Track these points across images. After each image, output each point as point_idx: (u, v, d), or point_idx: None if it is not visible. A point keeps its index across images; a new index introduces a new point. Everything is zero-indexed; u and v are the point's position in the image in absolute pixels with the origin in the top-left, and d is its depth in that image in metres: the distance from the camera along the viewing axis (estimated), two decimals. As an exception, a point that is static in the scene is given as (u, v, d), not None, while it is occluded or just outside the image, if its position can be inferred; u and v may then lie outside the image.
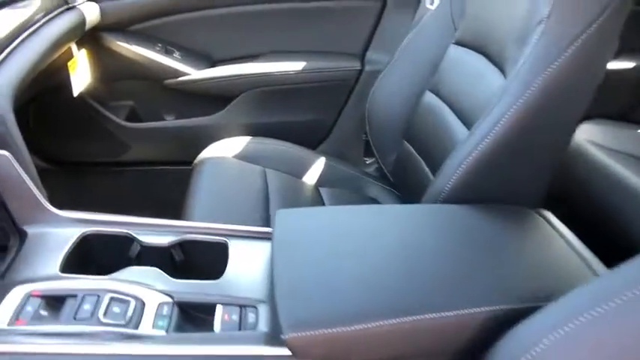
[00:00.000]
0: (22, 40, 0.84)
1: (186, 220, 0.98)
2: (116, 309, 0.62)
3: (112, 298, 0.63)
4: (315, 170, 1.25)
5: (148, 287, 0.66)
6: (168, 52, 1.33)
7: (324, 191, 1.20)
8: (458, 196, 0.77)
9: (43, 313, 0.61)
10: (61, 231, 0.74)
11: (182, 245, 0.76)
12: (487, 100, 0.80)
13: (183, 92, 1.36)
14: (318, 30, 1.37)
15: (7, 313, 0.60)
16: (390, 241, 0.68)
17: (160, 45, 1.32)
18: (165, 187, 1.44)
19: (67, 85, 1.15)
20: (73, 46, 1.11)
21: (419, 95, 1.09)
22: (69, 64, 1.11)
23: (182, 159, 1.40)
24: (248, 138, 1.27)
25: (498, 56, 0.86)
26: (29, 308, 0.61)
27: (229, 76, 1.34)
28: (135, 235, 0.74)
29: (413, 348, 0.61)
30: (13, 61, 0.79)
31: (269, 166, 1.21)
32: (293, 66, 1.35)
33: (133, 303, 0.63)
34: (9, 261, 0.68)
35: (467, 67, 0.94)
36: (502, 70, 0.84)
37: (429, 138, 1.01)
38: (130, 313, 0.61)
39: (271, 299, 0.64)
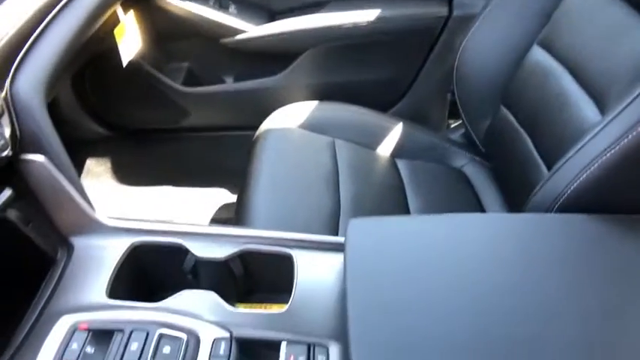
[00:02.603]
0: (55, 16, 0.73)
1: (246, 215, 0.88)
2: (166, 349, 0.53)
3: (161, 335, 0.54)
4: (390, 138, 1.09)
5: (203, 319, 0.57)
6: (222, 7, 1.18)
7: (401, 164, 1.04)
8: (584, 203, 0.59)
9: (89, 350, 0.54)
10: (110, 242, 0.66)
11: (242, 257, 0.66)
12: (634, 68, 0.60)
13: (242, 51, 1.22)
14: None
15: (52, 350, 0.53)
16: (496, 274, 0.53)
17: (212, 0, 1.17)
18: (227, 154, 1.35)
19: (117, 52, 1.05)
20: (119, 10, 0.99)
21: (523, 50, 0.88)
22: (115, 31, 1.00)
23: (244, 124, 1.29)
24: (314, 103, 1.13)
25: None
26: (74, 346, 0.54)
27: (291, 32, 1.17)
28: (188, 247, 0.65)
29: None
30: (45, 45, 0.69)
31: (338, 135, 1.07)
32: (364, 15, 1.14)
33: (185, 340, 0.54)
34: (56, 278, 0.62)
35: (599, 18, 0.72)
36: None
37: (537, 108, 0.81)
38: (181, 354, 0.53)
39: (344, 339, 0.52)
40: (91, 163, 1.41)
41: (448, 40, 1.13)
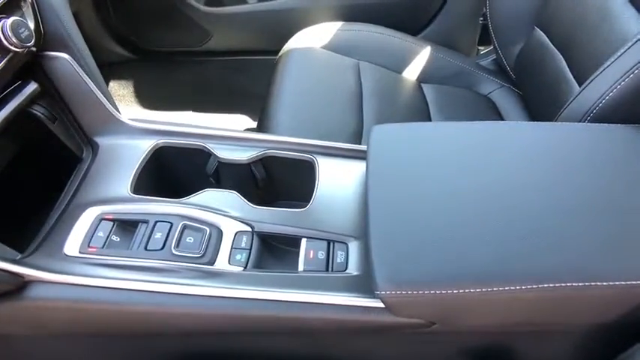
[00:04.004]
0: None
1: (269, 123, 0.87)
2: (190, 239, 0.55)
3: (185, 226, 0.56)
4: (417, 62, 1.05)
5: (225, 214, 0.58)
6: None
7: (427, 89, 1.01)
8: (616, 115, 0.57)
9: (115, 238, 0.56)
10: (134, 142, 0.66)
11: (263, 161, 0.66)
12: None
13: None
14: None
15: (80, 238, 0.55)
16: (522, 176, 0.52)
17: None
18: (250, 79, 1.33)
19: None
20: None
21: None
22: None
23: (268, 48, 1.26)
24: (340, 24, 1.09)
25: None
26: (101, 234, 0.56)
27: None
28: (212, 150, 0.65)
29: (547, 316, 0.49)
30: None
31: (364, 57, 1.04)
32: None
33: (207, 232, 0.56)
34: (81, 175, 0.63)
35: None
36: None
37: (575, 25, 0.77)
38: (204, 243, 0.54)
39: (365, 237, 0.53)
40: (113, 86, 1.41)
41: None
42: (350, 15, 1.14)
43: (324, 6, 1.20)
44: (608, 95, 0.57)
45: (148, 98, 1.43)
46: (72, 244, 0.54)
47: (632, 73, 0.55)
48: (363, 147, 0.65)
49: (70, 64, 0.64)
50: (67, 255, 0.53)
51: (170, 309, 0.50)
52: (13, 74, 0.59)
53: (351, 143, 0.85)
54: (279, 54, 1.07)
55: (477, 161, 0.54)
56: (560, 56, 0.80)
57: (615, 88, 0.56)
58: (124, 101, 1.43)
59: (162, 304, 0.50)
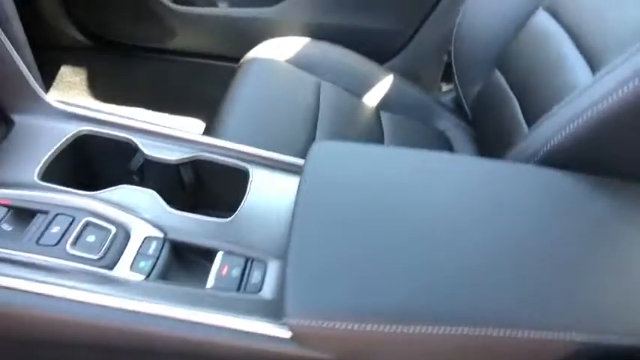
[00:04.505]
0: None
1: (216, 127, 0.83)
2: (91, 237, 0.49)
3: (88, 223, 0.50)
4: (379, 89, 1.04)
5: (137, 215, 0.53)
6: None
7: (385, 116, 0.99)
8: (561, 160, 0.55)
9: (6, 227, 0.50)
10: (55, 125, 0.61)
11: (194, 165, 0.61)
12: (633, 33, 0.55)
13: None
14: None
15: (-37, 221, 0.49)
16: (460, 210, 0.49)
17: None
18: (210, 83, 1.28)
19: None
20: None
21: (527, 13, 0.83)
22: None
23: (231, 54, 1.22)
24: (306, 40, 1.07)
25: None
26: (-10, 219, 0.49)
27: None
28: (139, 145, 0.60)
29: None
30: None
31: (326, 77, 1.01)
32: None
33: (113, 232, 0.50)
34: None
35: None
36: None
37: (531, 71, 0.76)
38: (106, 244, 0.49)
39: (284, 257, 0.48)
40: (65, 71, 1.34)
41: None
42: (318, 33, 1.12)
43: (293, 20, 1.17)
44: (554, 140, 0.56)
45: (100, 89, 1.36)
46: (-49, 228, 0.48)
47: (578, 121, 0.53)
48: (302, 161, 0.61)
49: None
50: None
51: (50, 314, 0.44)
52: None
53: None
54: (240, 61, 1.03)
55: (414, 191, 0.51)
56: (515, 100, 0.79)
57: (560, 133, 0.55)
58: (74, 89, 1.36)
59: (41, 306, 0.44)
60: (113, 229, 0.50)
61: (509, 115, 0.79)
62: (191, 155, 0.60)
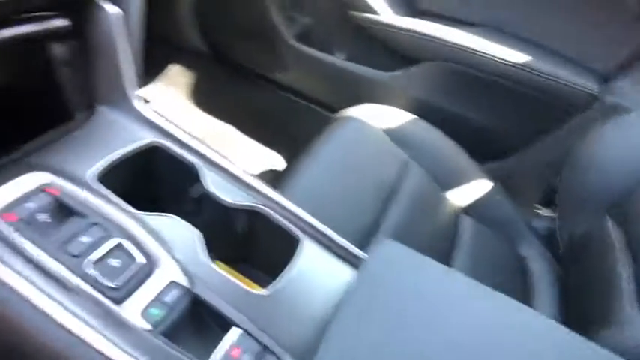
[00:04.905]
0: None
1: (286, 177, 0.78)
2: (116, 261, 0.45)
3: (120, 245, 0.46)
4: (468, 189, 0.95)
5: (171, 253, 0.48)
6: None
7: (465, 221, 0.91)
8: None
9: (42, 217, 0.46)
10: (131, 128, 0.59)
11: (250, 214, 0.56)
12: None
13: (366, 32, 1.13)
14: (569, 21, 1.00)
15: (5, 200, 0.46)
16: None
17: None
18: (303, 124, 1.26)
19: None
20: None
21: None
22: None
23: (332, 104, 1.20)
24: (410, 115, 1.02)
25: None
26: (31, 204, 0.46)
27: (421, 34, 1.06)
28: (203, 175, 0.56)
29: None
30: None
31: (417, 158, 0.95)
32: (511, 55, 1.01)
33: (139, 263, 0.45)
34: (58, 134, 0.55)
35: None
36: None
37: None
38: (126, 275, 0.44)
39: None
40: (174, 69, 1.38)
41: (583, 121, 0.98)
42: (424, 111, 1.06)
43: (402, 91, 1.13)
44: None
45: (199, 96, 1.39)
46: (-6, 202, 0.45)
47: None
48: (361, 253, 0.54)
49: (117, 21, 0.57)
50: None
51: (34, 329, 0.40)
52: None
53: (359, 238, 0.76)
54: (338, 114, 1.00)
55: (468, 336, 0.42)
56: (627, 260, 0.68)
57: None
58: (175, 87, 1.39)
59: (30, 318, 0.40)
60: (141, 260, 0.46)
61: (613, 274, 0.67)
62: (249, 204, 0.56)
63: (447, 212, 0.90)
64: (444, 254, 0.81)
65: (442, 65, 1.09)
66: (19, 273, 0.41)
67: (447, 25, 1.07)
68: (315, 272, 0.52)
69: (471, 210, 0.93)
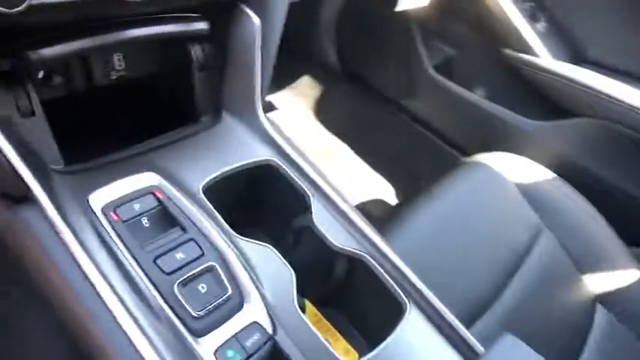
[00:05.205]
0: None
1: (405, 215, 0.71)
2: (203, 287, 0.41)
3: (212, 268, 0.42)
4: (610, 275, 0.80)
5: (261, 291, 0.43)
6: (534, 18, 0.98)
7: (601, 314, 0.76)
8: None
9: (145, 222, 0.45)
10: (251, 141, 0.56)
11: (352, 261, 0.50)
12: None
13: (516, 73, 1.02)
14: None
15: (114, 195, 0.45)
16: None
17: (529, 4, 0.98)
18: (428, 160, 1.18)
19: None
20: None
21: None
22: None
23: (463, 144, 1.11)
24: (550, 174, 0.89)
25: None
26: (137, 206, 0.45)
27: (584, 86, 0.92)
28: (313, 207, 0.51)
29: None
30: None
31: (551, 225, 0.82)
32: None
33: (227, 295, 0.41)
34: (178, 137, 0.54)
35: None
36: None
37: None
38: (212, 305, 0.40)
39: None
40: (305, 80, 1.38)
41: None
42: (566, 171, 0.92)
43: (545, 144, 1.00)
44: None
45: (325, 111, 1.37)
46: (101, 197, 0.44)
47: None
48: (472, 341, 0.45)
49: (258, 30, 0.55)
50: (88, 203, 0.44)
51: (104, 338, 0.37)
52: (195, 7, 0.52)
53: (471, 311, 0.66)
54: (468, 159, 0.90)
55: None
56: None
57: None
58: (304, 99, 1.39)
59: (100, 325, 0.37)
60: (229, 292, 0.41)
61: None
62: (354, 250, 0.49)
63: (580, 299, 0.76)
64: (571, 351, 0.68)
65: (601, 123, 0.93)
66: (105, 277, 0.39)
67: (615, 79, 0.92)
68: (418, 353, 0.44)
69: (609, 300, 0.78)
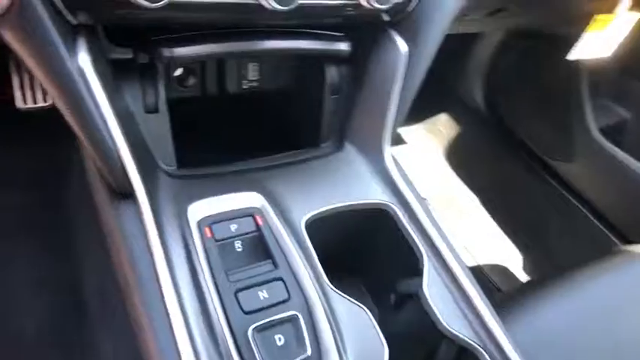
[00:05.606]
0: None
1: (525, 298, 0.60)
2: (280, 339, 0.36)
3: (295, 319, 0.36)
4: None
5: (340, 351, 0.36)
6: None
7: None
8: None
9: (237, 246, 0.41)
10: (370, 179, 0.50)
11: (462, 350, 0.41)
12: None
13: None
14: None
15: (214, 209, 0.42)
16: None
17: None
18: (566, 233, 1.01)
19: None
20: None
21: None
22: (598, 16, 0.75)
23: (617, 224, 0.92)
24: None
25: None
26: (234, 227, 0.41)
27: None
28: (427, 271, 0.43)
29: None
30: None
31: None
32: None
33: (305, 356, 0.35)
34: (291, 161, 0.50)
35: None
36: None
37: None
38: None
39: None
40: (444, 119, 1.29)
41: None
42: None
43: None
44: None
45: (455, 153, 1.26)
46: (200, 209, 0.41)
47: None
48: None
49: (401, 60, 0.49)
50: (186, 213, 0.41)
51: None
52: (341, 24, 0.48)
53: None
54: (626, 247, 0.74)
55: None
56: None
57: None
58: (439, 141, 1.30)
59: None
60: (308, 353, 0.35)
61: None
62: (466, 339, 0.40)
63: None
64: None
65: None
66: (180, 302, 0.36)
67: None
68: None
69: None
